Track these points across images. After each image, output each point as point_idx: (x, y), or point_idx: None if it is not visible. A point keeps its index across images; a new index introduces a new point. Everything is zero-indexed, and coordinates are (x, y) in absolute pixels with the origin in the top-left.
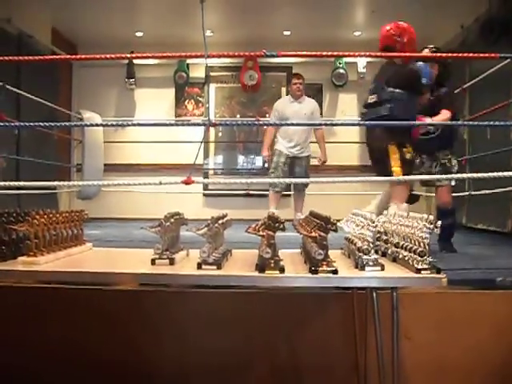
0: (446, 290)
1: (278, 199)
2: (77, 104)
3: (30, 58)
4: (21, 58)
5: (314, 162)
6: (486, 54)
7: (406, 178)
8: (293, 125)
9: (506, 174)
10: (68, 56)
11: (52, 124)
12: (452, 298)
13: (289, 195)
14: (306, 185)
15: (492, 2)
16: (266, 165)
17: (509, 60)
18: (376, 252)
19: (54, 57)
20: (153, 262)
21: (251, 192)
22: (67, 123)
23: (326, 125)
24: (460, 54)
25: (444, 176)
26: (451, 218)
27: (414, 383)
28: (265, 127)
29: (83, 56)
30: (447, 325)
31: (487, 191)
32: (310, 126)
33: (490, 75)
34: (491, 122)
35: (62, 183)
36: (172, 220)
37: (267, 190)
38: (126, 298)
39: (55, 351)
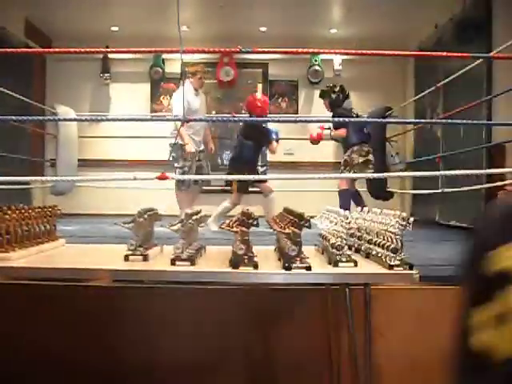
0: (418, 286)
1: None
2: (51, 98)
3: (2, 50)
4: None
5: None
6: (458, 54)
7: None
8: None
9: (476, 171)
10: (42, 49)
11: (25, 118)
12: (424, 294)
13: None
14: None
15: (466, 1)
16: None
17: (481, 60)
18: (349, 248)
19: (28, 50)
20: (126, 258)
21: (226, 188)
22: (41, 117)
23: (301, 121)
24: (432, 53)
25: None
26: None
27: (387, 379)
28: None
29: (58, 50)
30: (419, 320)
31: (459, 189)
32: None
33: (464, 74)
34: (464, 121)
35: (35, 178)
36: (146, 216)
37: None
38: (99, 294)
39: (25, 348)
